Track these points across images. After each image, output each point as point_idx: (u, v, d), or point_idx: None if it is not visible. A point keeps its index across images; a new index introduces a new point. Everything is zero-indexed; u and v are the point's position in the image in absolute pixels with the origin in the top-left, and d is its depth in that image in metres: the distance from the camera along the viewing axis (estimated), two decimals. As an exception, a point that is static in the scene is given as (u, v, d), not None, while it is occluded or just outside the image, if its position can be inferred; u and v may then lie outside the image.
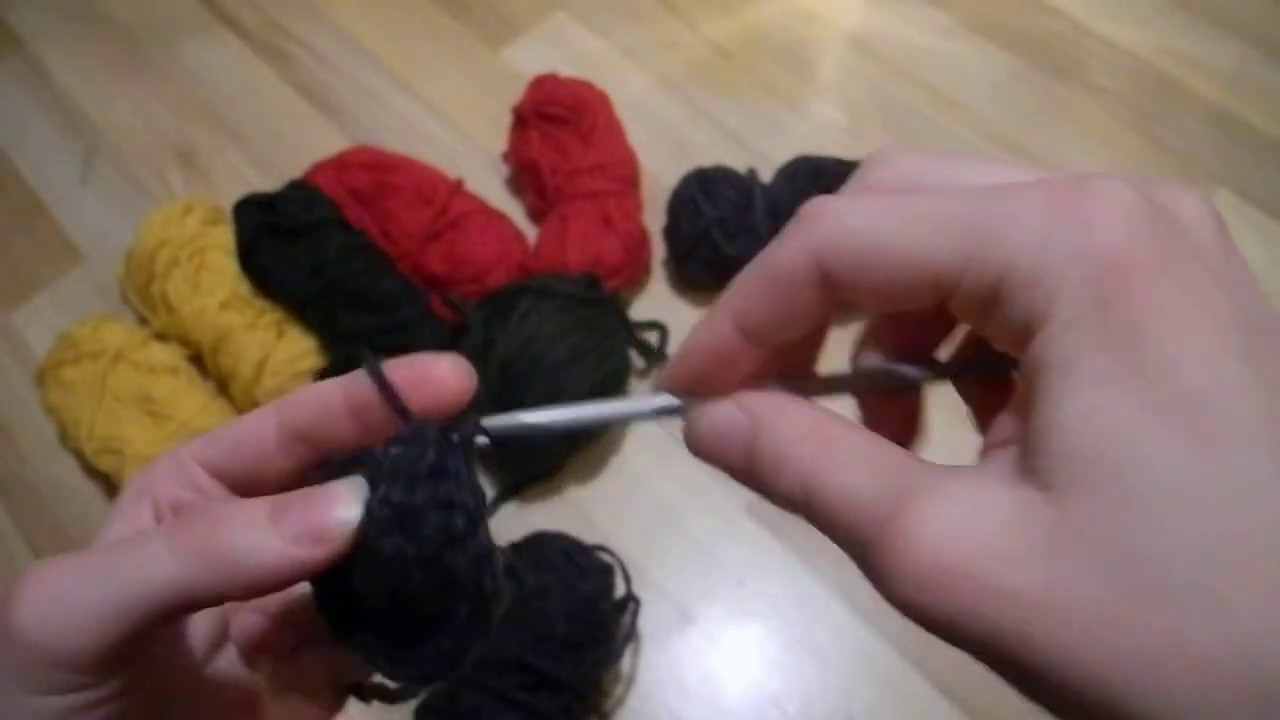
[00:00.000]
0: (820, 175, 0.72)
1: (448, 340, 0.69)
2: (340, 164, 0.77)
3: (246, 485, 0.25)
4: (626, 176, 0.77)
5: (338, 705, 0.29)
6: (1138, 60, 0.91)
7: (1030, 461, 0.16)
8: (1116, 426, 0.15)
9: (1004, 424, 0.19)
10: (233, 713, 0.26)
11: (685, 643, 0.64)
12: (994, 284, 0.17)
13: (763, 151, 0.85)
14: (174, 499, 0.24)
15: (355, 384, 0.23)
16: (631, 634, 0.62)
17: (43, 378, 0.71)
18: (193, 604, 0.20)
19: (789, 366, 0.23)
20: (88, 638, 0.19)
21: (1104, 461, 0.15)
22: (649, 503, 0.68)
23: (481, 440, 0.23)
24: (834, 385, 0.23)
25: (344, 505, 0.21)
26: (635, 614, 0.62)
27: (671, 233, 0.75)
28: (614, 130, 0.79)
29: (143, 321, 0.75)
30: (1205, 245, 0.17)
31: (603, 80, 0.81)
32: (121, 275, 0.76)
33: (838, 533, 0.19)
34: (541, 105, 0.78)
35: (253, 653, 0.26)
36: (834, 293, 0.19)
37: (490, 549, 0.22)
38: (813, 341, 0.24)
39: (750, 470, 0.21)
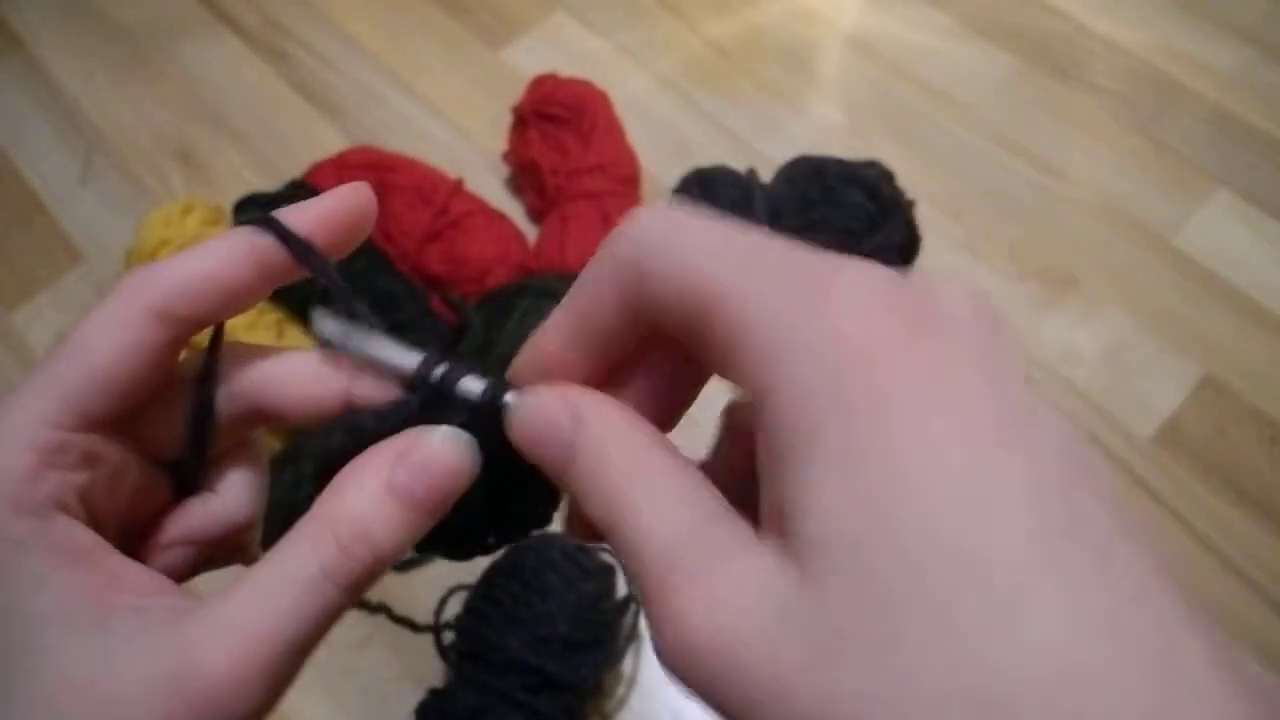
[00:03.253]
0: (820, 175, 0.72)
1: (448, 340, 0.69)
2: (340, 164, 0.77)
3: (121, 409, 0.21)
4: (626, 176, 0.77)
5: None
6: (1138, 60, 0.91)
7: (782, 539, 0.16)
8: (849, 510, 0.15)
9: (763, 500, 0.18)
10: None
11: (686, 643, 0.63)
12: (728, 343, 0.17)
13: (763, 151, 0.84)
14: (80, 488, 0.20)
15: (254, 247, 0.22)
16: (633, 635, 0.62)
17: (43, 378, 0.71)
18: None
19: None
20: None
21: (840, 547, 0.15)
22: (649, 503, 0.68)
23: None
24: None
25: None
26: (637, 614, 0.62)
27: (672, 233, 0.75)
28: (614, 130, 0.79)
29: (143, 321, 0.75)
30: (960, 326, 0.16)
31: (603, 80, 0.81)
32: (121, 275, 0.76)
33: (627, 571, 0.18)
34: (541, 105, 0.78)
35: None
36: (635, 306, 0.19)
37: None
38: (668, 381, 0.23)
39: (564, 480, 0.20)
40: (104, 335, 0.20)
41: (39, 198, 0.85)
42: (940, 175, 0.84)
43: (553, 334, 0.21)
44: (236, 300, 0.22)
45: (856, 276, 0.16)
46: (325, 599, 0.19)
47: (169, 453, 0.23)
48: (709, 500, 0.18)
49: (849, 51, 0.93)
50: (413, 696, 0.58)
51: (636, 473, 0.19)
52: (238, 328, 0.70)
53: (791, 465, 0.15)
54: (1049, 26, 0.93)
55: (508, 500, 0.23)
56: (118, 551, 0.20)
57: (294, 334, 0.71)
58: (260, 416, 0.24)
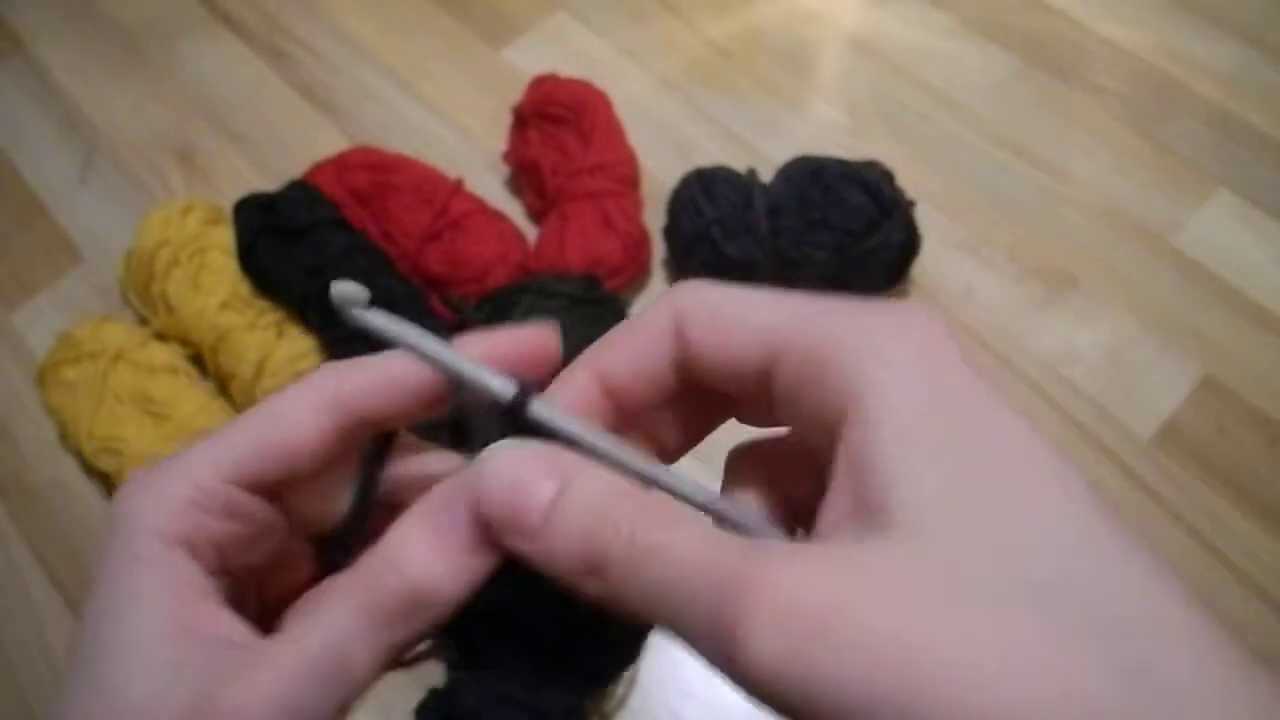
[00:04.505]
0: (820, 175, 0.72)
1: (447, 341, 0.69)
2: (340, 164, 0.77)
3: (286, 481, 0.23)
4: (626, 176, 0.77)
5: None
6: (1138, 60, 0.91)
7: (872, 519, 0.17)
8: (952, 480, 0.17)
9: (831, 508, 0.19)
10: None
11: (685, 643, 0.63)
12: (824, 353, 0.19)
13: (763, 151, 0.84)
14: (216, 534, 0.21)
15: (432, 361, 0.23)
16: (632, 634, 0.62)
17: (43, 378, 0.71)
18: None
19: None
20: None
21: (941, 510, 0.16)
22: (649, 503, 0.68)
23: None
24: (681, 495, 0.22)
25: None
26: (635, 614, 0.62)
27: (671, 233, 0.75)
28: (614, 130, 0.79)
29: (143, 321, 0.75)
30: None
31: (603, 80, 0.81)
32: (121, 275, 0.76)
33: (672, 592, 0.17)
34: (541, 105, 0.78)
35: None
36: (684, 351, 0.21)
37: None
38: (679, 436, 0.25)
39: (549, 521, 0.19)
40: (287, 410, 0.22)
41: (39, 198, 0.85)
42: (940, 175, 0.84)
43: (605, 363, 0.23)
44: (408, 405, 0.23)
45: (920, 314, 0.19)
46: (354, 643, 0.19)
47: (319, 529, 0.25)
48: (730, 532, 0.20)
49: (849, 51, 0.93)
50: (413, 696, 0.58)
51: (644, 501, 0.19)
52: (238, 328, 0.70)
53: (893, 456, 0.17)
54: (1049, 26, 0.93)
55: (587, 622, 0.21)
56: (218, 599, 0.21)
57: (293, 334, 0.71)
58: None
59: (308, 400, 0.22)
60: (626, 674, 0.62)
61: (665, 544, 0.18)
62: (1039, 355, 0.75)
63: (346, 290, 0.22)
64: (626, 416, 0.23)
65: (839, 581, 0.16)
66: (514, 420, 0.21)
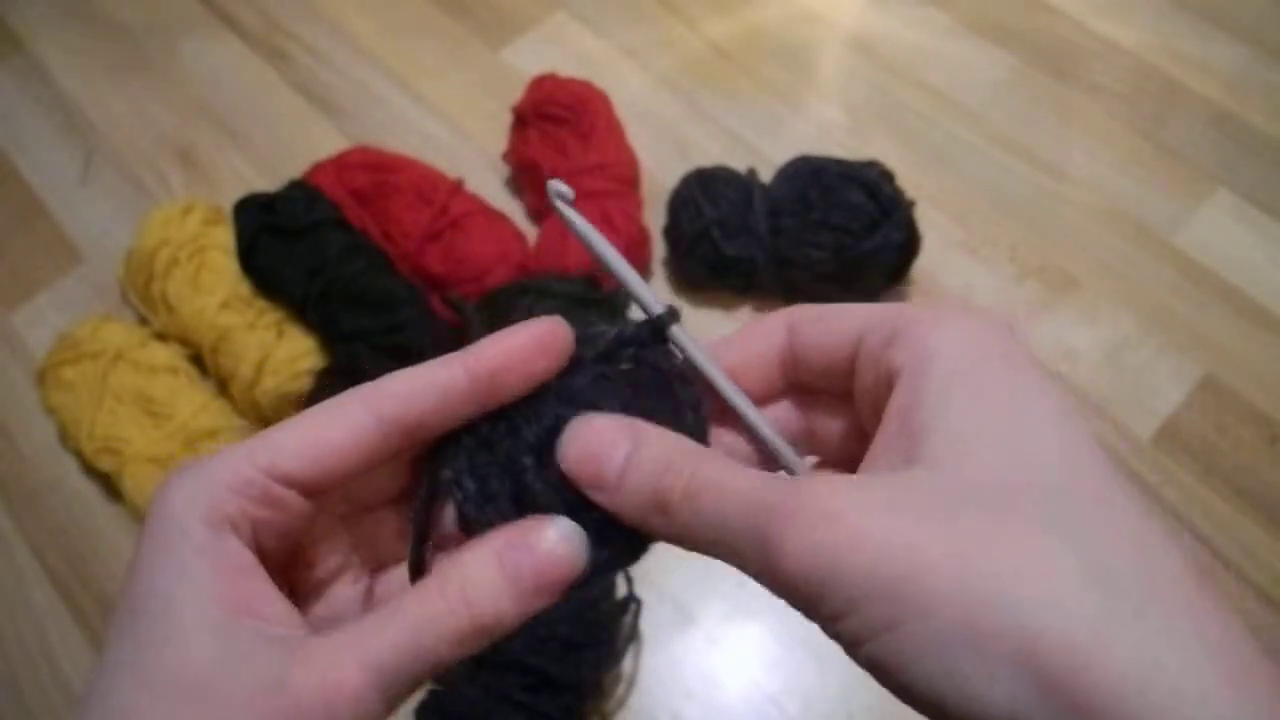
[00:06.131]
0: (820, 175, 0.72)
1: (447, 340, 0.69)
2: (340, 164, 0.77)
3: (327, 486, 0.24)
4: (626, 176, 0.77)
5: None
6: (1138, 60, 0.91)
7: (904, 456, 0.21)
8: (974, 426, 0.20)
9: (873, 450, 0.23)
10: None
11: (685, 643, 0.64)
12: (899, 326, 0.23)
13: (763, 151, 0.85)
14: (256, 521, 0.23)
15: (479, 358, 0.24)
16: (633, 634, 0.62)
17: (43, 378, 0.71)
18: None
19: None
20: None
21: (960, 449, 0.20)
22: (649, 503, 0.68)
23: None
24: (755, 427, 0.27)
25: (562, 546, 0.23)
26: (637, 614, 0.62)
27: (671, 233, 0.75)
28: (614, 130, 0.79)
29: (143, 321, 0.75)
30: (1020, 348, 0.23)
31: (603, 80, 0.81)
32: (121, 275, 0.76)
33: (725, 520, 0.21)
34: (541, 105, 0.78)
35: None
36: (794, 342, 0.25)
37: None
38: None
39: (624, 475, 0.23)
40: (324, 418, 0.24)
41: (39, 198, 0.85)
42: (940, 175, 0.84)
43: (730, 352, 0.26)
44: (447, 409, 0.24)
45: (989, 312, 0.23)
46: (421, 647, 0.21)
47: (372, 508, 0.27)
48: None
49: (849, 51, 0.93)
50: (412, 697, 0.59)
51: (698, 454, 0.23)
52: (238, 328, 0.70)
53: (930, 405, 0.21)
54: (1049, 26, 0.93)
55: None
56: (270, 582, 0.23)
57: (294, 333, 0.71)
58: None
59: (343, 409, 0.23)
60: (626, 674, 0.62)
61: (718, 480, 0.22)
62: (1039, 355, 0.75)
63: (558, 187, 0.26)
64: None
65: (861, 498, 0.19)
66: (651, 336, 0.26)
